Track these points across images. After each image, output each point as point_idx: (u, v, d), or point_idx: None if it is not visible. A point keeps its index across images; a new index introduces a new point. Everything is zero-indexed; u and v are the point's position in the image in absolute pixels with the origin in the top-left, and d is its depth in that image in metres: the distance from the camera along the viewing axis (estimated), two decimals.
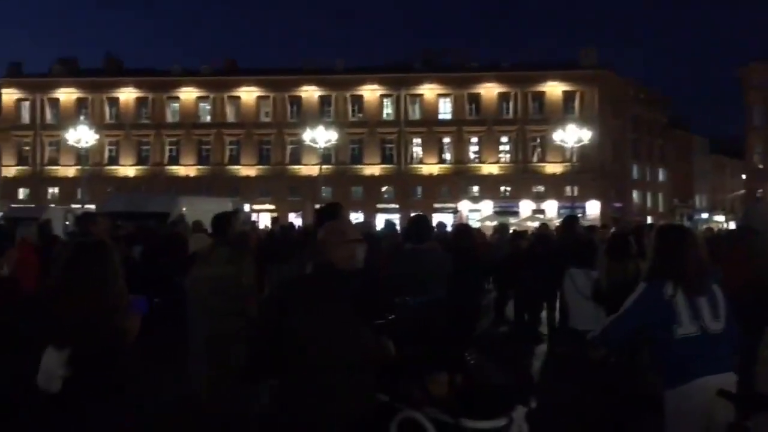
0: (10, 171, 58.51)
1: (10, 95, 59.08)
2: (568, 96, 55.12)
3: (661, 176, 64.58)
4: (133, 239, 10.56)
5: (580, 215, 46.98)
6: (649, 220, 59.94)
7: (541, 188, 54.43)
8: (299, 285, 3.28)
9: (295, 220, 52.97)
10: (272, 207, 55.57)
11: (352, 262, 3.13)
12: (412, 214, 8.70)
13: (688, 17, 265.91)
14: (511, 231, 16.54)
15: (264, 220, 51.34)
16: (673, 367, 3.32)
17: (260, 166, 57.10)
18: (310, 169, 53.45)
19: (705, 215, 72.29)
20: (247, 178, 56.56)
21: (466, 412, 3.13)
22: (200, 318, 5.66)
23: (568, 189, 50.40)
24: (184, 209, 17.55)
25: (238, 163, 57.30)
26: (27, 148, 58.76)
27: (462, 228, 7.29)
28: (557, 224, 45.17)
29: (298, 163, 56.26)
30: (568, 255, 6.44)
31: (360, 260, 3.18)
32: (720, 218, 75.10)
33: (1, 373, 3.02)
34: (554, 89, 55.00)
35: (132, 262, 8.24)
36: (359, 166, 56.31)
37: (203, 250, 6.55)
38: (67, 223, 21.29)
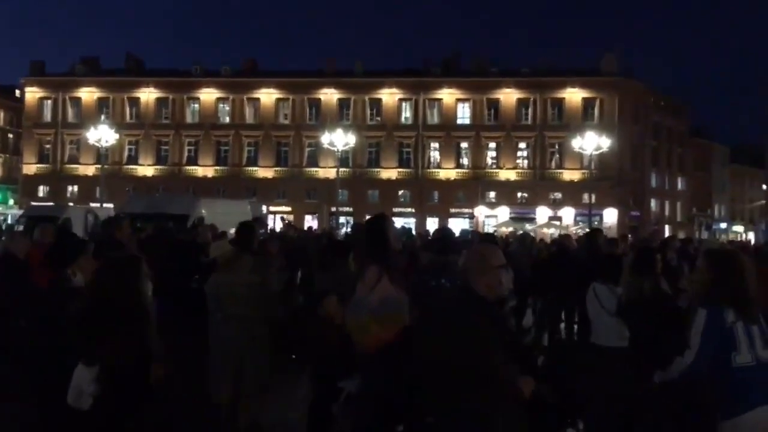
0: (31, 168, 59.24)
1: (33, 94, 59.83)
2: (587, 103, 54.79)
3: (680, 185, 63.95)
4: (154, 242, 10.64)
5: (596, 223, 47.02)
6: (666, 229, 59.38)
7: (559, 195, 54.11)
8: (440, 314, 3.06)
9: (312, 222, 53.22)
10: (289, 209, 55.72)
11: (497, 291, 2.94)
12: (437, 227, 8.66)
13: (710, 25, 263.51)
14: (529, 238, 16.46)
15: (280, 222, 51.59)
16: (729, 397, 3.22)
17: (278, 168, 57.32)
18: (327, 171, 53.56)
19: (724, 225, 71.61)
20: (265, 179, 56.79)
21: None
22: (222, 324, 5.70)
23: (585, 196, 49.98)
24: (203, 211, 17.64)
25: (255, 165, 57.55)
26: (48, 146, 59.45)
27: (485, 239, 7.20)
28: (574, 231, 44.69)
29: (316, 165, 56.40)
30: (592, 269, 6.37)
31: (506, 288, 3.00)
32: (739, 228, 74.35)
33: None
34: (574, 96, 54.68)
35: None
36: (376, 170, 56.34)
37: (225, 257, 6.57)
38: (87, 222, 21.55)
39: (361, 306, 3.76)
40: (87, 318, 2.92)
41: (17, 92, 64.61)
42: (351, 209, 53.92)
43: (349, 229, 47.35)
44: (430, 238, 15.31)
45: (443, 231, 6.22)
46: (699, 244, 18.56)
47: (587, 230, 37.90)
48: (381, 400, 3.52)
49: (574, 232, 49.28)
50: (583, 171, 51.04)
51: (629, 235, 34.61)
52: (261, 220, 15.36)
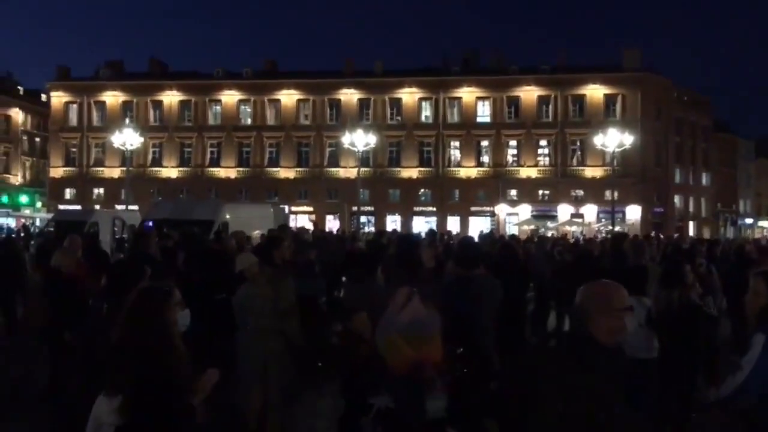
0: (58, 172, 60.26)
1: (59, 98, 60.84)
2: (609, 99, 54.31)
3: (704, 180, 63.09)
4: (180, 250, 10.82)
5: (619, 219, 46.50)
6: (691, 225, 58.70)
7: (581, 192, 53.75)
8: (552, 361, 2.68)
9: (333, 222, 53.47)
10: (310, 209, 56.12)
11: (618, 336, 2.65)
12: (459, 228, 8.70)
13: (733, 18, 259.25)
14: (550, 240, 16.40)
15: (301, 222, 51.95)
16: None
17: (299, 169, 57.67)
18: (348, 171, 53.77)
19: (749, 221, 70.52)
20: (286, 180, 57.19)
21: None
22: (246, 336, 5.89)
23: (607, 193, 49.57)
24: (227, 216, 17.86)
25: (277, 166, 57.96)
26: (74, 149, 60.43)
27: (507, 247, 7.27)
28: (597, 229, 44.23)
29: (337, 165, 56.64)
30: (617, 278, 6.42)
31: (628, 333, 2.72)
32: (765, 223, 73.18)
33: None
34: (595, 92, 54.24)
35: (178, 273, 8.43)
36: (397, 169, 56.42)
37: (250, 269, 6.72)
38: (115, 228, 21.94)
39: (391, 326, 3.87)
40: (113, 348, 3.00)
41: (43, 96, 65.79)
42: (372, 209, 54.13)
43: (371, 229, 47.76)
44: (452, 242, 15.38)
45: (468, 241, 6.28)
46: (727, 245, 18.44)
47: (611, 233, 37.76)
48: (411, 420, 3.63)
49: (597, 229, 49.03)
50: (606, 168, 50.55)
51: (653, 234, 34.40)
52: (286, 227, 15.53)
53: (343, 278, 10.68)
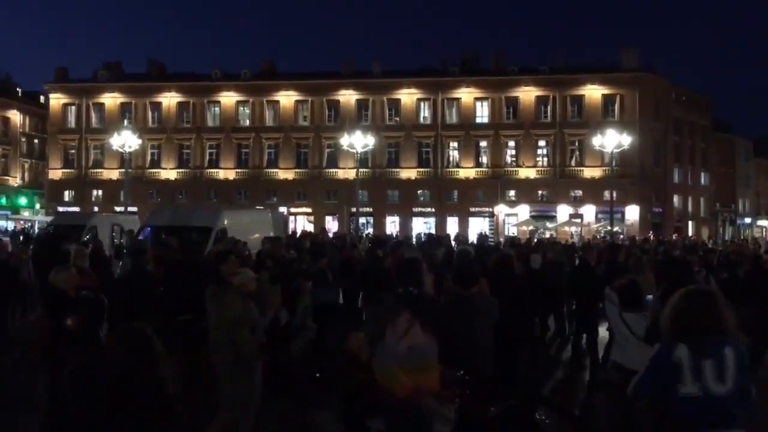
0: (57, 174, 60.21)
1: (58, 100, 60.79)
2: (607, 99, 54.33)
3: (703, 180, 63.13)
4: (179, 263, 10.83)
5: (618, 218, 46.40)
6: (690, 225, 58.73)
7: (579, 192, 53.78)
8: None
9: (332, 223, 53.50)
10: (309, 210, 56.14)
11: None
12: (459, 251, 8.69)
13: (732, 18, 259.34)
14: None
15: (300, 224, 52.01)
16: (673, 422, 3.53)
17: (298, 170, 57.65)
18: (346, 172, 53.77)
19: (748, 220, 70.57)
20: (285, 181, 57.19)
21: None
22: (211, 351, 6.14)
23: (606, 193, 49.60)
24: (225, 222, 17.87)
25: (276, 167, 57.94)
26: (73, 151, 60.38)
27: (504, 261, 7.25)
28: (596, 229, 44.01)
29: (335, 166, 56.63)
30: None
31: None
32: (764, 223, 73.26)
33: None
34: (593, 92, 54.26)
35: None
36: (396, 170, 56.43)
37: (247, 285, 6.74)
38: (113, 234, 21.94)
39: (389, 354, 3.87)
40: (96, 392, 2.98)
41: (42, 98, 65.77)
42: (371, 210, 54.15)
43: (369, 231, 47.70)
44: (456, 247, 15.35)
45: (464, 257, 6.28)
46: (729, 243, 18.41)
47: (609, 234, 37.68)
48: None
49: (596, 229, 49.06)
50: (604, 168, 50.58)
51: (651, 237, 34.35)
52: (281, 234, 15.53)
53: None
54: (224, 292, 6.10)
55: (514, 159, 55.59)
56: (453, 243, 18.54)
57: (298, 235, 23.76)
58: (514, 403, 4.30)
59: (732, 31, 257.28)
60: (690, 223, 59.52)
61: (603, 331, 8.42)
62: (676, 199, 58.64)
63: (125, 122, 55.24)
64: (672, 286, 5.83)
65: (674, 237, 38.24)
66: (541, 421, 3.72)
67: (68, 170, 60.17)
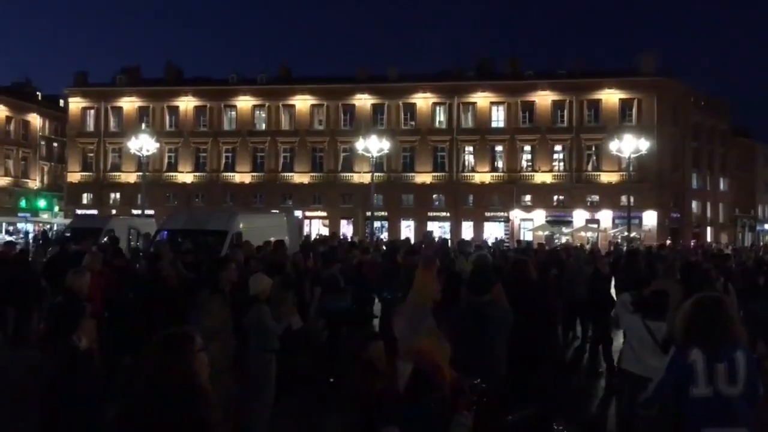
0: (75, 176, 60.84)
1: (77, 104, 61.47)
2: (625, 104, 53.88)
3: (722, 186, 62.42)
4: (196, 265, 10.86)
5: (636, 223, 45.95)
6: (708, 231, 58.09)
7: (596, 197, 53.35)
8: None
9: (347, 227, 53.58)
10: (324, 214, 56.26)
11: None
12: (477, 257, 8.62)
13: (751, 22, 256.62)
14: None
15: (315, 228, 52.14)
16: (687, 421, 3.67)
17: (313, 174, 57.76)
18: (362, 176, 53.79)
19: (767, 226, 69.68)
20: (300, 185, 57.34)
21: None
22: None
23: (623, 198, 49.22)
24: (241, 225, 17.92)
25: (291, 171, 58.10)
26: (91, 155, 61.00)
27: (520, 268, 7.17)
28: (613, 234, 43.70)
29: (351, 170, 56.67)
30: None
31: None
32: None
33: None
34: (611, 97, 53.86)
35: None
36: (411, 175, 56.34)
37: (264, 293, 6.69)
38: (130, 237, 22.10)
39: (416, 334, 3.84)
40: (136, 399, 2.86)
41: (61, 102, 66.53)
42: (386, 214, 54.13)
43: (384, 234, 47.63)
44: (470, 254, 15.24)
45: (481, 265, 6.22)
46: (753, 251, 18.18)
47: (627, 240, 37.32)
48: None
49: (613, 235, 48.65)
50: (621, 173, 50.14)
51: (669, 243, 34.00)
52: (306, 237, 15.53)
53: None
54: (213, 300, 6.07)
55: (529, 164, 55.29)
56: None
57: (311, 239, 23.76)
58: (531, 412, 4.26)
59: (752, 35, 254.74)
60: (709, 229, 58.87)
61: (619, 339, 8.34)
62: (694, 204, 58.01)
63: (143, 126, 55.69)
64: (689, 292, 5.76)
65: (692, 243, 37.86)
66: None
67: (87, 173, 60.77)
